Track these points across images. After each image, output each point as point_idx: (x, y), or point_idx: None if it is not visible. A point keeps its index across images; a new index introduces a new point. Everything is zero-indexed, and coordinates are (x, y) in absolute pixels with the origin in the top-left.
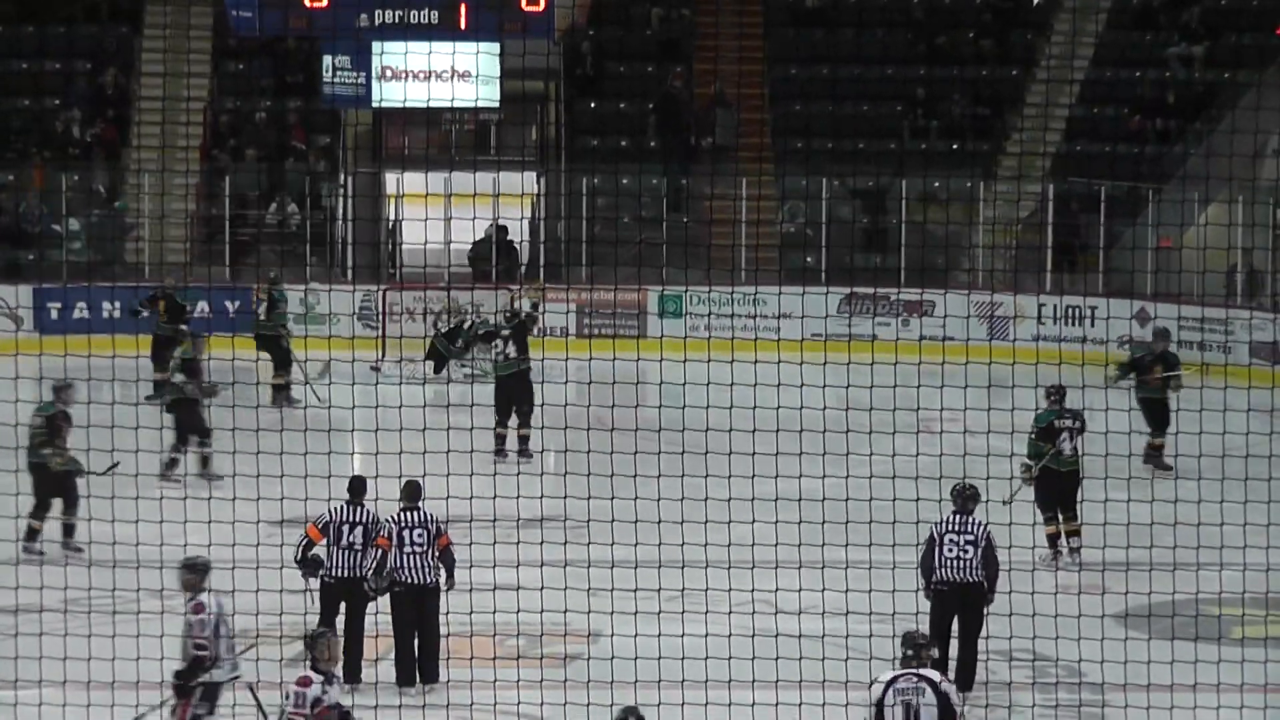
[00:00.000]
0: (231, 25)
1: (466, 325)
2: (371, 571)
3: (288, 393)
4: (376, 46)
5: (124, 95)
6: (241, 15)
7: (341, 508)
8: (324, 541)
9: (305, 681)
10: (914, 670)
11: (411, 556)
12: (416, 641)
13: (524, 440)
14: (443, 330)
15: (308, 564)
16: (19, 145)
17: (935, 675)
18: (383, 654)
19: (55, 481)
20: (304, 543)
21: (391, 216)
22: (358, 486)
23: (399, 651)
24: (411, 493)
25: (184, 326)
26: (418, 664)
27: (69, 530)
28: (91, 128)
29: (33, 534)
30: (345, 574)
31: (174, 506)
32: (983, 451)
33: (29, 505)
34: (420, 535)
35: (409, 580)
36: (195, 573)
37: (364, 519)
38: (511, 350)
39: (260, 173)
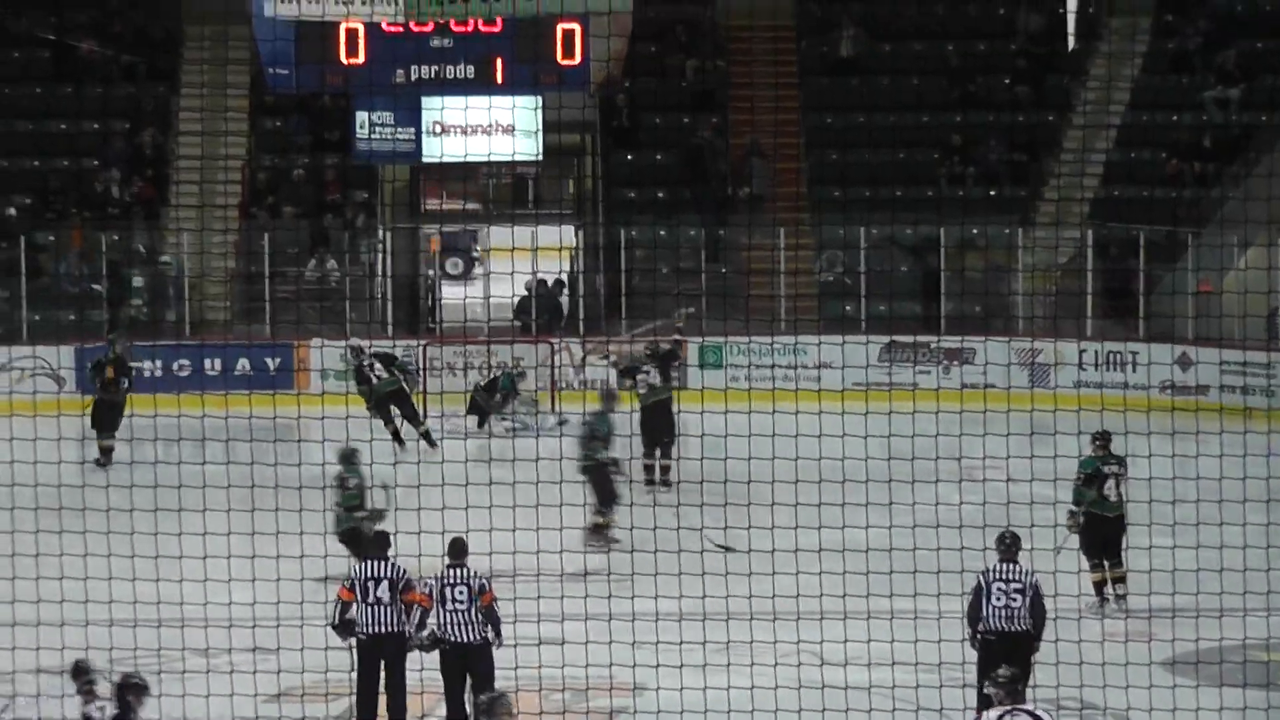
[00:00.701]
0: (268, 83)
1: (502, 377)
2: (415, 628)
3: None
4: (424, 102)
5: (162, 154)
6: (278, 72)
7: (365, 564)
8: (355, 600)
9: None
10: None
11: (454, 614)
12: (469, 698)
13: (665, 471)
14: (482, 384)
15: (344, 626)
16: (58, 205)
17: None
18: (429, 709)
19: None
20: (338, 605)
21: (430, 271)
22: (381, 542)
23: (449, 709)
24: (456, 550)
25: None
26: None
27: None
28: (130, 187)
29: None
30: (375, 629)
31: (218, 565)
32: (1026, 499)
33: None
34: (462, 593)
35: (453, 638)
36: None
37: (388, 574)
38: (656, 379)
39: (299, 229)
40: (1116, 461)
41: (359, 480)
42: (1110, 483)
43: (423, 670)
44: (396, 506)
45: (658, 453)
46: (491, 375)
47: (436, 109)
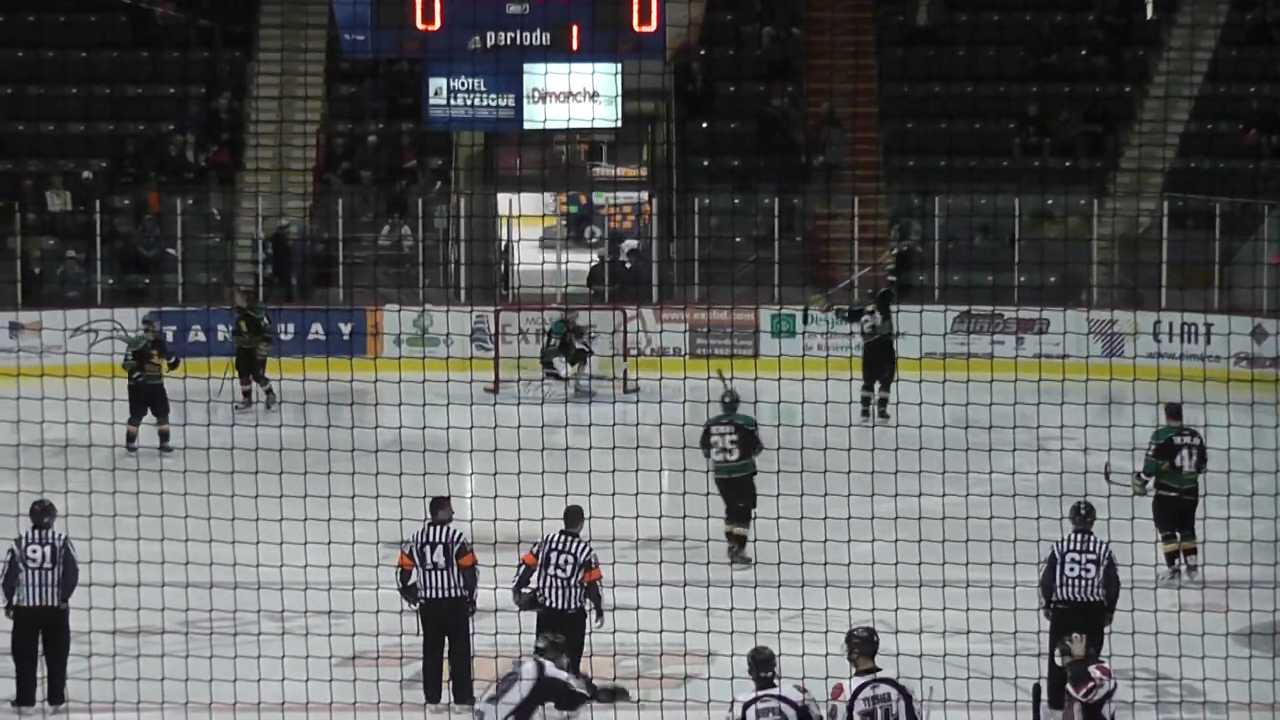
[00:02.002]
0: (343, 48)
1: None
2: (517, 584)
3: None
4: (526, 68)
5: (237, 119)
6: (354, 38)
7: (421, 530)
8: (414, 566)
9: None
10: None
11: (554, 579)
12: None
13: (883, 404)
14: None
15: (407, 591)
16: (134, 170)
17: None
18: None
19: (147, 394)
20: (399, 571)
21: (504, 237)
22: (437, 506)
23: None
24: (571, 518)
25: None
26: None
27: (164, 436)
28: (205, 152)
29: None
30: (434, 595)
31: (293, 528)
32: (1099, 469)
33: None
34: (567, 562)
35: (549, 604)
36: None
37: (444, 538)
38: (878, 319)
39: (373, 195)
40: (1190, 433)
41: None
42: (1183, 454)
43: (497, 634)
44: (473, 470)
45: (876, 385)
46: (548, 332)
47: (539, 74)
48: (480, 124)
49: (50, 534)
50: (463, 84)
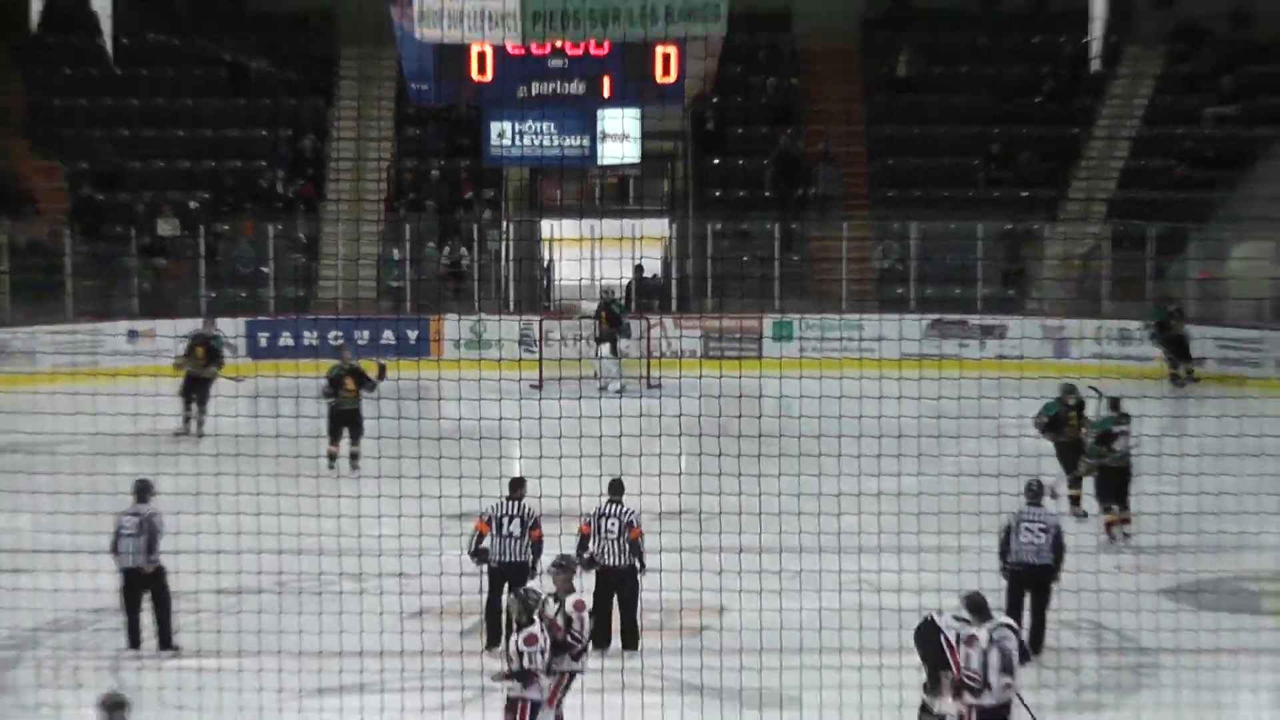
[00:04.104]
0: (410, 96)
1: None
2: (577, 549)
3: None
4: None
5: (319, 157)
6: (420, 88)
7: (501, 503)
8: (490, 533)
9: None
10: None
11: (606, 541)
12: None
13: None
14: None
15: (478, 554)
16: (231, 200)
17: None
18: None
19: (345, 418)
20: (475, 536)
21: (547, 257)
22: (516, 485)
23: (597, 620)
24: (615, 489)
25: (214, 368)
26: (621, 633)
27: (355, 457)
28: (292, 185)
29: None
30: (507, 559)
31: (369, 504)
32: (1051, 453)
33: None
34: (613, 524)
35: (603, 562)
36: None
37: (520, 512)
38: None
39: (436, 221)
40: (1125, 420)
41: (334, 376)
42: (1120, 439)
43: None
44: (522, 455)
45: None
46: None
47: (611, 118)
48: (528, 160)
49: (143, 507)
50: (516, 127)
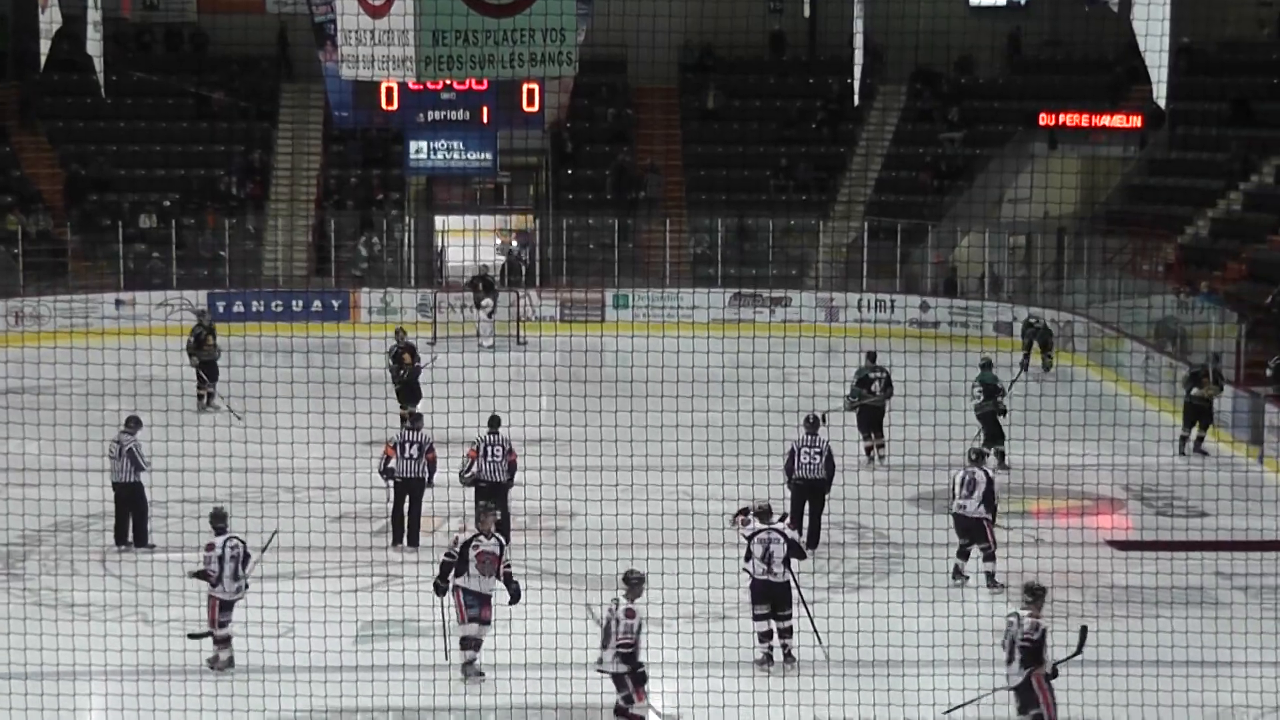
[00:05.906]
0: (335, 121)
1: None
2: (464, 470)
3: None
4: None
5: (265, 167)
6: (342, 114)
7: (403, 433)
8: (395, 455)
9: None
10: (770, 526)
11: (491, 464)
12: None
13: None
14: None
15: (386, 472)
16: (197, 200)
17: (784, 527)
18: (436, 527)
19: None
20: (384, 458)
21: (440, 244)
22: (415, 418)
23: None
24: (494, 423)
25: (218, 350)
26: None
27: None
28: (245, 188)
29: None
30: (408, 475)
31: (302, 433)
32: (824, 394)
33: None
34: (498, 451)
35: (487, 479)
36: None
37: (418, 439)
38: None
39: (355, 217)
40: (880, 370)
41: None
42: (876, 384)
43: (434, 502)
44: (422, 396)
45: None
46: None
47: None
48: (439, 171)
49: (127, 437)
50: (430, 144)
